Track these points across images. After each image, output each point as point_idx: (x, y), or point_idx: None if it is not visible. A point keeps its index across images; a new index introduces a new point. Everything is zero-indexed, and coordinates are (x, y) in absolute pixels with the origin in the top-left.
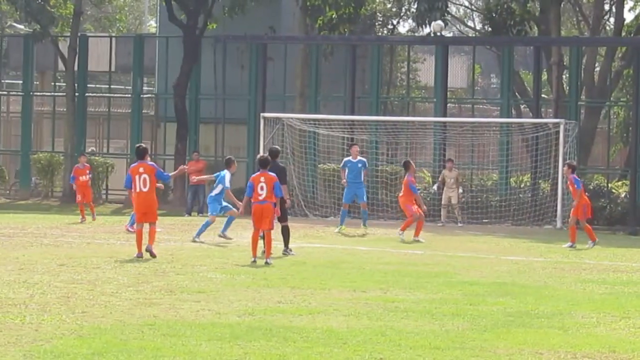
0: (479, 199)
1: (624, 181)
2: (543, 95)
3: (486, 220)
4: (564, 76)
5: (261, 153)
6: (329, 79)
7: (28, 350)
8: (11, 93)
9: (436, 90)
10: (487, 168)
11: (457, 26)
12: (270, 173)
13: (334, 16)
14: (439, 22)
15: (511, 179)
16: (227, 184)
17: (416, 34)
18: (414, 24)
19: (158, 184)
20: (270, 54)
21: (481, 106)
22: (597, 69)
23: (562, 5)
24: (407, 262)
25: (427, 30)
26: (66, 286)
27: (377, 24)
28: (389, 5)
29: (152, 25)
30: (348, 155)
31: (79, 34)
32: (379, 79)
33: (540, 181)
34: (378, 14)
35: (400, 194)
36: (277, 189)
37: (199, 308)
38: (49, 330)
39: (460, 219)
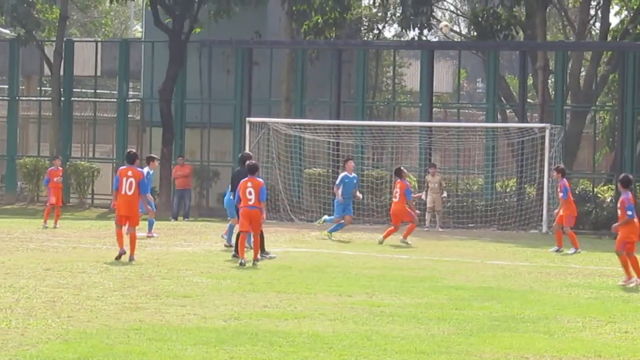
0: (465, 204)
1: (610, 186)
2: (529, 100)
3: (472, 225)
4: (549, 81)
5: (251, 160)
6: (315, 84)
7: (14, 354)
8: None
9: (422, 94)
10: (472, 172)
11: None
12: (259, 178)
13: (319, 21)
14: (445, 22)
15: (497, 184)
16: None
17: (402, 39)
18: (399, 29)
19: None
20: (256, 58)
21: (467, 111)
22: (583, 73)
23: (547, 10)
24: (393, 266)
25: (412, 34)
26: (52, 290)
27: (362, 28)
28: (374, 10)
29: (137, 30)
30: (338, 166)
31: (64, 39)
32: (365, 83)
33: (526, 186)
34: (364, 18)
35: (396, 200)
36: (263, 194)
37: (184, 312)
38: (35, 335)
39: (439, 223)
